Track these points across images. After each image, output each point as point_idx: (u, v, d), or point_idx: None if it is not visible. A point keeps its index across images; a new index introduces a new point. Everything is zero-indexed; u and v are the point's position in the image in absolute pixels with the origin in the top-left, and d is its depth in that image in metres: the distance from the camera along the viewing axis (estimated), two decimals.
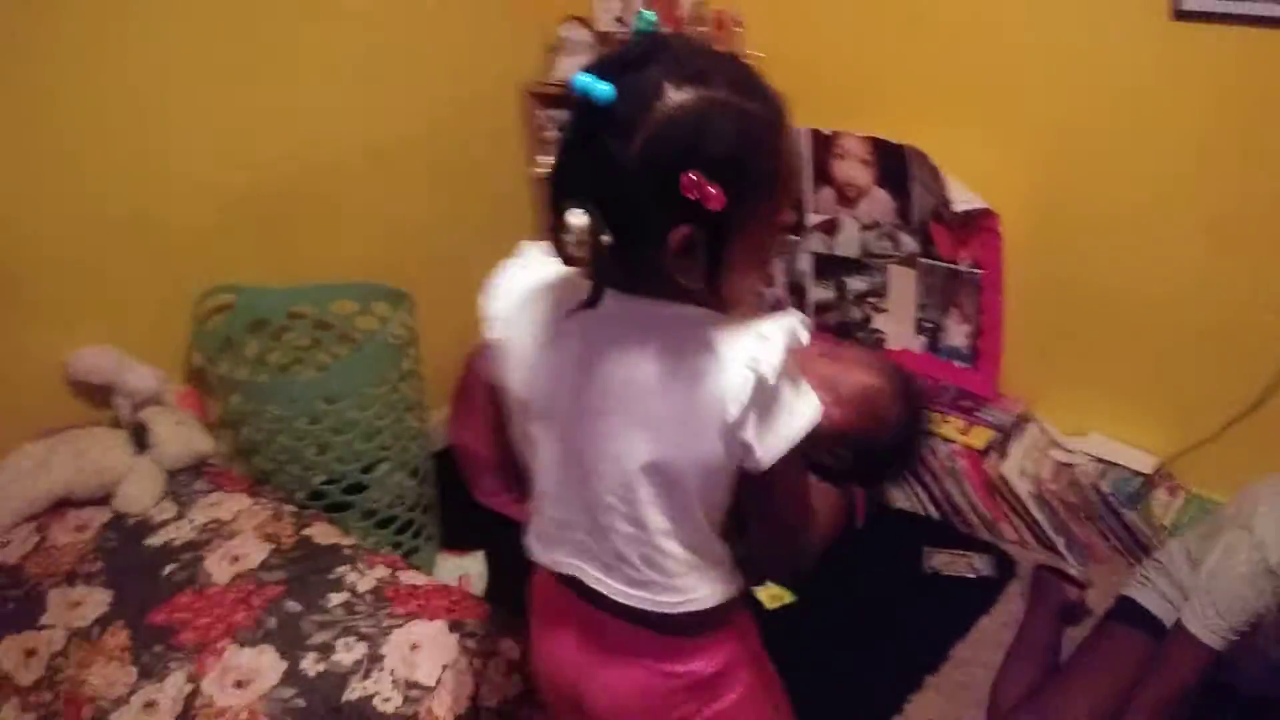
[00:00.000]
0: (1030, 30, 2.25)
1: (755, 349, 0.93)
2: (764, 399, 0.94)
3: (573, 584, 1.15)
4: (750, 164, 0.90)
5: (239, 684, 1.49)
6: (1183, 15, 2.05)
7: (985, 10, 2.30)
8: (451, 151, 2.79)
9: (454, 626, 1.59)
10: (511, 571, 2.30)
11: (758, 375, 0.92)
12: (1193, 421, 2.33)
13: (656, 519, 1.04)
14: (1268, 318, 2.15)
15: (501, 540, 2.42)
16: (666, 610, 1.10)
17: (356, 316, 2.45)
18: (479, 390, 1.24)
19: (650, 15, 0.99)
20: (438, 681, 1.51)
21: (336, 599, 1.65)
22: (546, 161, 3.03)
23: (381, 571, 1.72)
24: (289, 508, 1.94)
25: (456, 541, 2.43)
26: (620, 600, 1.10)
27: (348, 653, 1.53)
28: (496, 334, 1.09)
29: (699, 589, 1.10)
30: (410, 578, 1.72)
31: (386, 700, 1.46)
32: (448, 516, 2.47)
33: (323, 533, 1.84)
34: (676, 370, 0.97)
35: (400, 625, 1.58)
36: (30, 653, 1.55)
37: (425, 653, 1.54)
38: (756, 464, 0.97)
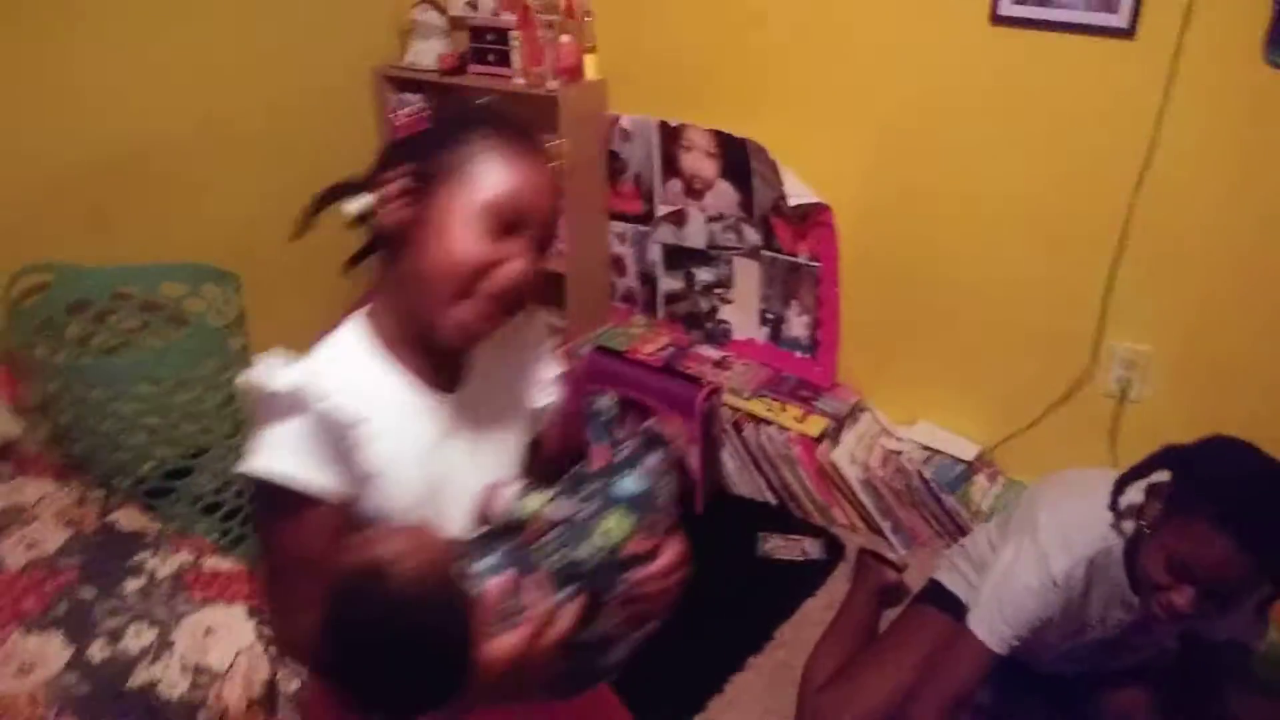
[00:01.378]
0: (862, 30, 2.33)
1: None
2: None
3: None
4: None
5: (21, 670, 1.44)
6: (1000, 20, 2.15)
7: (821, 8, 2.37)
8: (297, 132, 2.74)
9: (253, 612, 1.57)
10: None
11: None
12: (1012, 411, 2.44)
13: None
14: (1079, 313, 2.27)
15: None
16: None
17: (186, 299, 2.39)
18: None
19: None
20: (230, 666, 1.48)
21: (133, 585, 1.61)
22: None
23: (185, 557, 1.68)
24: (97, 493, 1.88)
25: None
26: None
27: (137, 639, 1.50)
28: None
29: None
30: (215, 563, 1.69)
31: (173, 686, 1.43)
32: None
33: (129, 519, 1.80)
34: None
35: (195, 611, 1.55)
36: None
37: (219, 638, 1.51)
38: None
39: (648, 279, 2.95)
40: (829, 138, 2.47)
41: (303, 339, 2.93)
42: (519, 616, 0.90)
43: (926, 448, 2.48)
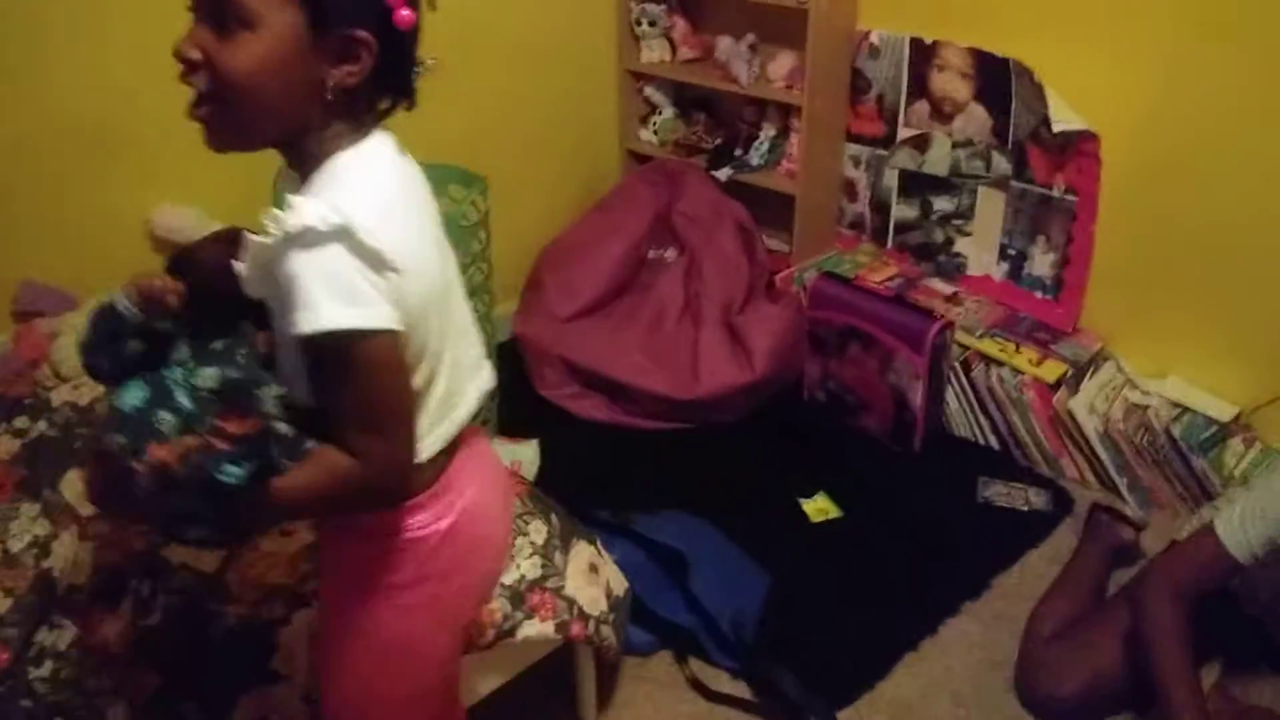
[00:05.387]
0: None
1: None
2: None
3: None
4: None
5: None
6: None
7: None
8: (538, 35, 2.76)
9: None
10: (562, 461, 2.39)
11: None
12: (1278, 373, 2.23)
13: None
14: None
15: (555, 431, 2.48)
16: None
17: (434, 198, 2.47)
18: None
19: None
20: None
21: None
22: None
23: None
24: None
25: (513, 430, 2.47)
26: None
27: None
28: None
29: None
30: None
31: None
32: (507, 405, 2.50)
33: None
34: None
35: None
36: None
37: None
38: None
39: (880, 205, 2.84)
40: (1104, 59, 2.27)
41: (537, 238, 3.02)
42: None
43: (1176, 404, 2.31)
